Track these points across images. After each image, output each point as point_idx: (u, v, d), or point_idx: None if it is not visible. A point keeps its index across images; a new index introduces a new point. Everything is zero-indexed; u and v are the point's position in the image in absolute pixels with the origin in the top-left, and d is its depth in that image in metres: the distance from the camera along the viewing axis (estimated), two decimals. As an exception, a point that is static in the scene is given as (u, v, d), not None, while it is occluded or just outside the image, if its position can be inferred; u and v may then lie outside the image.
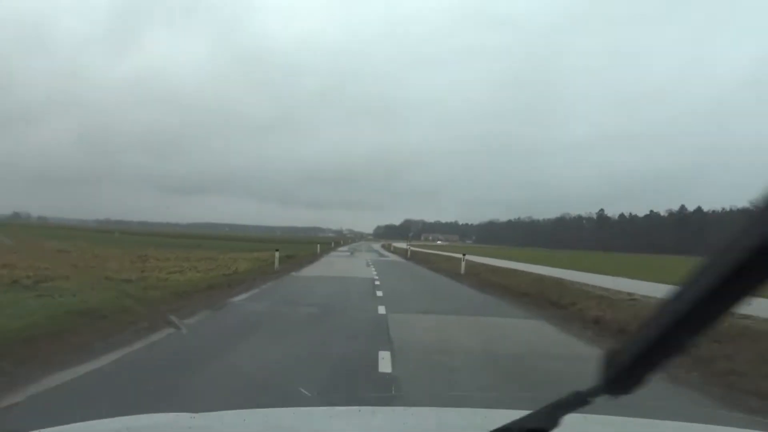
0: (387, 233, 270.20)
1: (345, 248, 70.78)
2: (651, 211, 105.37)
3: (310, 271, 25.20)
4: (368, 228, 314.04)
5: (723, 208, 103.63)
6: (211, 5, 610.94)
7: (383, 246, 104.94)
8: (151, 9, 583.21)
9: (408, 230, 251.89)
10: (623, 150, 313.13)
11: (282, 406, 3.09)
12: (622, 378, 0.89)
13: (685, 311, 0.76)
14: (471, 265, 27.32)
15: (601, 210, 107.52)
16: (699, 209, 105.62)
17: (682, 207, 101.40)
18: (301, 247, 50.59)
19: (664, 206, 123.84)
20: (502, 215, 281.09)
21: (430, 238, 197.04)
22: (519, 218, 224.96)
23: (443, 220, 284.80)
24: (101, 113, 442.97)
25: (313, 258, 35.03)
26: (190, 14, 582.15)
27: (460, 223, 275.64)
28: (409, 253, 50.06)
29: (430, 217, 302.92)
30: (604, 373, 0.89)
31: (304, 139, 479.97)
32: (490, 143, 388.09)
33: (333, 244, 76.79)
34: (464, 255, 27.89)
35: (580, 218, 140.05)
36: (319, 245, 50.74)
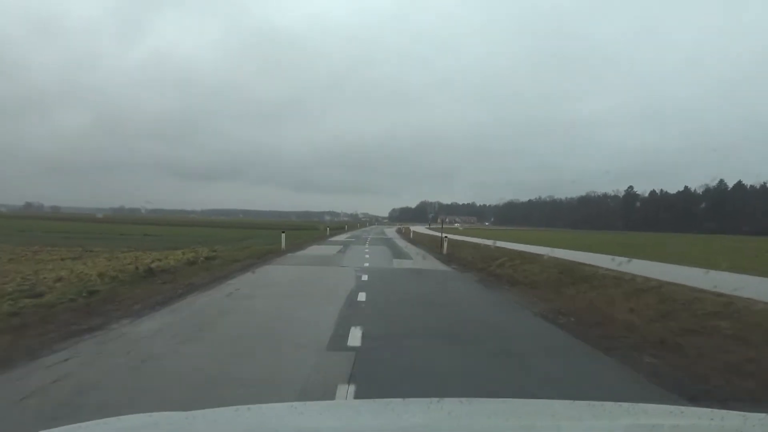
0: (402, 216, 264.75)
1: (344, 236, 54.53)
2: (685, 188, 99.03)
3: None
4: (383, 212, 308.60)
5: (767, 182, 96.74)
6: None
7: (399, 231, 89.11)
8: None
9: (424, 213, 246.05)
10: (651, 126, 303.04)
11: None
12: None
13: None
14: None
15: (630, 187, 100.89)
16: (740, 184, 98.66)
17: (721, 182, 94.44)
18: (288, 234, 42.75)
19: (698, 182, 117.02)
20: (522, 195, 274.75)
21: (447, 220, 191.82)
22: (540, 198, 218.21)
23: (460, 202, 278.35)
24: (114, 100, 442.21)
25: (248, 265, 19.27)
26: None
27: (478, 204, 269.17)
28: (444, 247, 29.80)
29: (446, 200, 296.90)
30: None
31: (317, 122, 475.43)
32: (507, 122, 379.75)
33: (328, 231, 62.88)
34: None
35: (605, 197, 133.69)
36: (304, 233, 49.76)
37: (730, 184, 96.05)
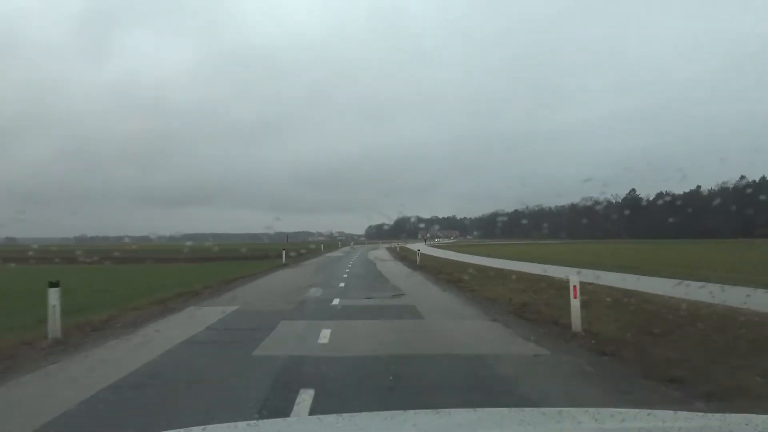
0: (379, 233, 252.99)
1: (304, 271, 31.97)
2: (698, 187, 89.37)
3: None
4: (360, 229, 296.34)
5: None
6: (193, 5, 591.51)
7: (396, 254, 54.03)
8: (129, 12, 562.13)
9: (403, 228, 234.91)
10: (642, 128, 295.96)
11: None
12: None
13: None
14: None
15: (632, 191, 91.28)
16: (765, 180, 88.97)
17: (742, 178, 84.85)
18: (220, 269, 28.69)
19: (713, 180, 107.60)
20: (507, 206, 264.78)
21: (428, 235, 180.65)
22: (527, 207, 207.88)
23: (441, 215, 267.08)
24: (80, 125, 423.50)
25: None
26: (171, 16, 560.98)
27: (459, 217, 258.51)
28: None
29: (425, 213, 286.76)
30: None
31: (292, 142, 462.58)
32: (487, 133, 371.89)
33: (283, 258, 37.58)
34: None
35: (602, 203, 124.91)
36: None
37: (754, 179, 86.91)
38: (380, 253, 58.91)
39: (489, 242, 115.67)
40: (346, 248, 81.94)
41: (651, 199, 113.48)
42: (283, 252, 38.66)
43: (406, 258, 45.14)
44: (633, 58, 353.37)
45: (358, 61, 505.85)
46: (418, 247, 51.30)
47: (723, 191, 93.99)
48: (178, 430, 1.83)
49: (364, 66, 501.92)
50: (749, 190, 67.48)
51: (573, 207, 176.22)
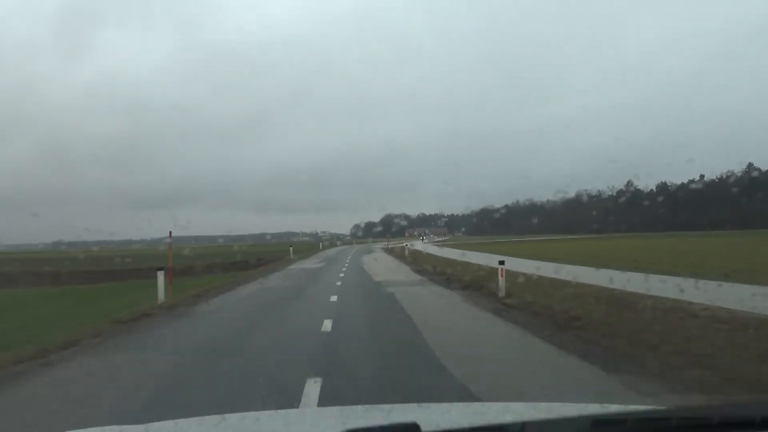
0: (366, 232, 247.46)
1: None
2: (701, 176, 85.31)
3: None
4: (345, 229, 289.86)
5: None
6: (170, 2, 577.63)
7: (406, 260, 37.10)
8: (105, 9, 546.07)
9: (389, 227, 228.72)
10: (633, 120, 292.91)
11: None
12: None
13: None
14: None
15: (629, 183, 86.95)
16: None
17: (750, 166, 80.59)
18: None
19: (718, 169, 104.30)
20: (497, 201, 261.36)
21: (416, 233, 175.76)
22: (517, 202, 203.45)
23: (428, 213, 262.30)
24: (56, 126, 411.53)
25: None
26: (148, 13, 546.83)
27: (446, 214, 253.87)
28: None
29: (412, 211, 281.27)
30: None
31: (275, 141, 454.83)
32: (473, 129, 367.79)
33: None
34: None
35: (599, 195, 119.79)
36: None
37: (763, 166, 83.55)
38: (383, 263, 35.85)
39: (495, 239, 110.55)
40: (329, 252, 61.82)
41: (650, 191, 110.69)
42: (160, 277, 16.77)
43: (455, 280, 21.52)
44: (618, 53, 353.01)
45: (340, 59, 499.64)
46: (424, 247, 45.77)
47: (721, 182, 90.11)
48: (167, 421, 2.11)
49: (346, 64, 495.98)
50: (754, 174, 64.17)
51: (566, 201, 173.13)
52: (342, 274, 27.32)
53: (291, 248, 45.83)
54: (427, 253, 39.71)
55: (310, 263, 38.18)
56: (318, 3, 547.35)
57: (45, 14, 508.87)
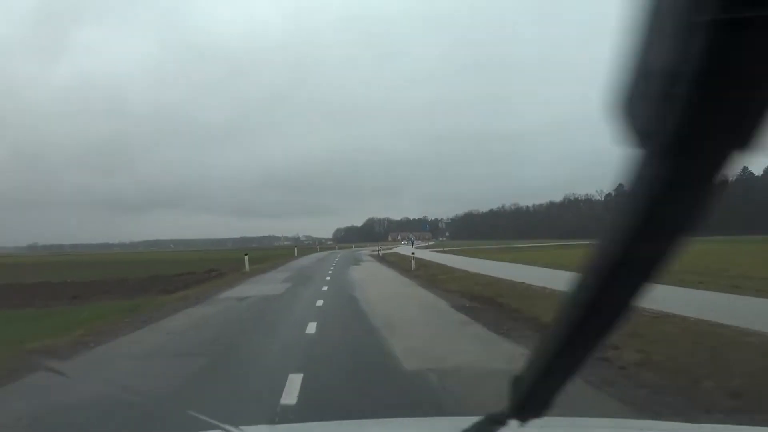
0: (348, 237, 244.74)
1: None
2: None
3: None
4: (327, 233, 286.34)
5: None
6: (152, 2, 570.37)
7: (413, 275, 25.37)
8: (83, 8, 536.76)
9: (372, 231, 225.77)
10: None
11: None
12: (528, 403, 0.85)
13: (577, 321, 0.70)
14: None
15: (620, 186, 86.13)
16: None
17: (744, 170, 79.82)
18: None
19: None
20: (482, 205, 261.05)
21: (399, 237, 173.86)
22: (503, 207, 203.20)
23: (411, 217, 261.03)
24: (33, 128, 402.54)
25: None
26: (129, 14, 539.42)
27: (430, 218, 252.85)
28: None
29: (395, 215, 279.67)
30: (510, 399, 0.86)
31: (257, 145, 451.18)
32: (457, 133, 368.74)
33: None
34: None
35: (586, 200, 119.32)
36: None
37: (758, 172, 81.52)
38: (391, 288, 20.59)
39: (478, 244, 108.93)
40: (304, 260, 51.11)
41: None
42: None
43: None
44: (607, 55, 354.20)
45: (323, 65, 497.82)
46: (420, 254, 35.09)
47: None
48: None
49: (329, 69, 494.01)
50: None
51: (554, 206, 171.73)
52: (310, 329, 10.69)
53: (246, 257, 35.87)
54: (437, 264, 32.63)
55: (262, 285, 23.45)
56: (301, 8, 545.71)
57: (20, 13, 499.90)
